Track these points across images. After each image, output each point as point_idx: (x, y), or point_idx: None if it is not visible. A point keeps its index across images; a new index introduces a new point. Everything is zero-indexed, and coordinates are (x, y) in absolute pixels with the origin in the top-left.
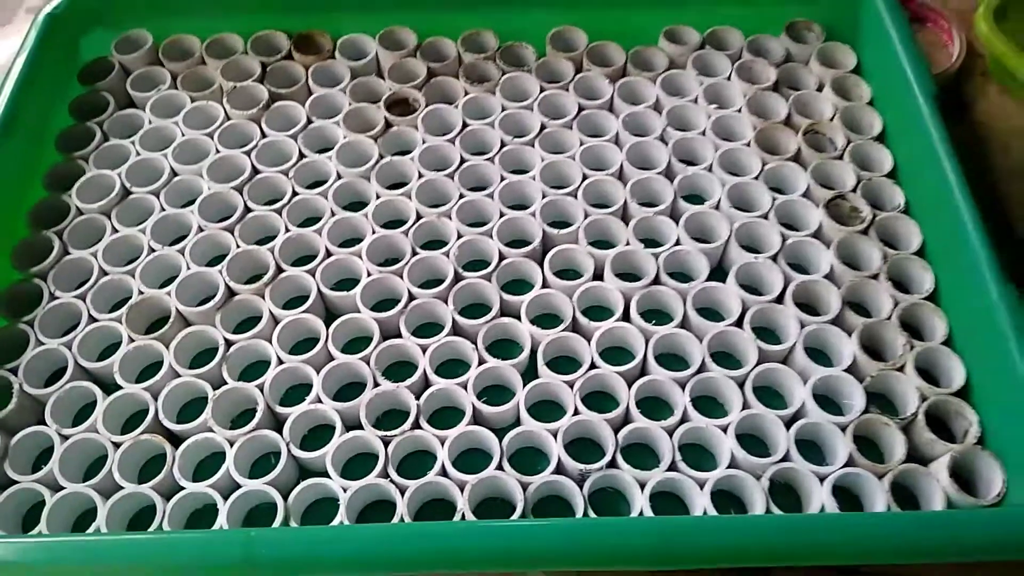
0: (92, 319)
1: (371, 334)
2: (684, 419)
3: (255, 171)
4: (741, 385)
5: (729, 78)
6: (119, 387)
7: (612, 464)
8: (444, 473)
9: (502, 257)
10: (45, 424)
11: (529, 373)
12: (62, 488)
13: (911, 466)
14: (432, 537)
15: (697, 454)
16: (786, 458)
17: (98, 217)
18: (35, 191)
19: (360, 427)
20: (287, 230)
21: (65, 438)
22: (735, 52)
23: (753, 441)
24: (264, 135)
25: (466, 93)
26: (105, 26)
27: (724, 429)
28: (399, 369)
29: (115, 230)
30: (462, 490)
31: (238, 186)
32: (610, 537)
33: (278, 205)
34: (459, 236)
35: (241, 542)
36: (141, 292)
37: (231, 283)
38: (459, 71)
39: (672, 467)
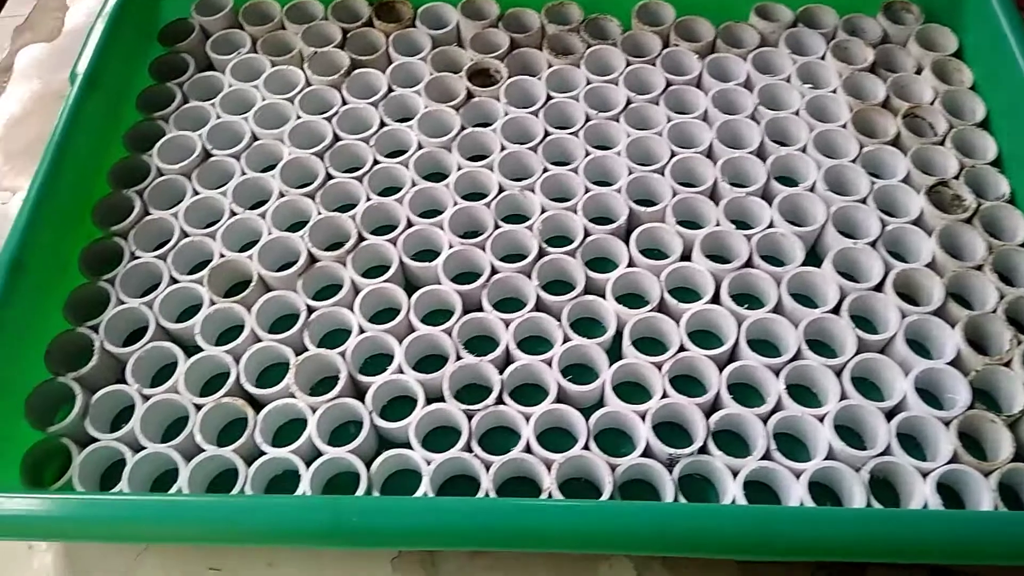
0: (173, 280)
1: (452, 307)
2: (778, 407)
3: (336, 138)
4: (838, 374)
5: (823, 58)
6: (200, 349)
7: (703, 450)
8: (528, 450)
9: (587, 233)
10: (125, 383)
11: (613, 353)
12: (143, 448)
13: (1019, 465)
14: (525, 513)
15: (790, 444)
16: (886, 452)
17: (179, 178)
18: (116, 150)
19: (442, 400)
20: (368, 199)
21: (146, 398)
22: (829, 31)
23: (850, 433)
24: (345, 102)
25: (549, 65)
26: None
27: (820, 419)
28: (480, 343)
29: (196, 192)
30: (548, 468)
31: (319, 152)
32: (709, 523)
33: (359, 173)
34: (542, 210)
35: (343, 509)
36: (222, 255)
37: (313, 249)
38: (542, 43)
39: (766, 456)
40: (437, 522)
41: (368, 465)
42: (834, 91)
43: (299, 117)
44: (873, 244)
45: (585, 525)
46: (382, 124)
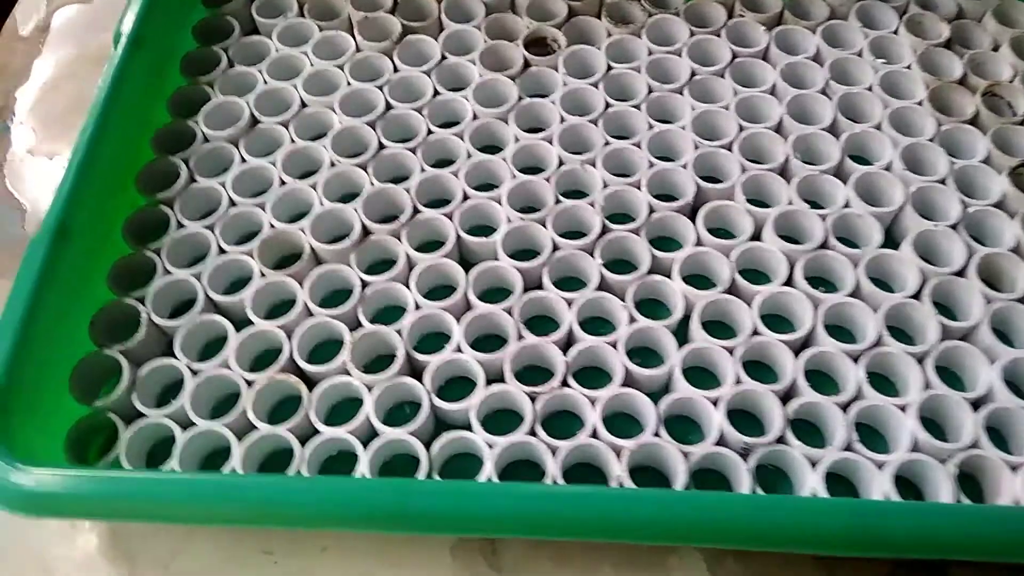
0: (221, 251)
1: (511, 284)
2: (858, 396)
3: (388, 106)
4: (920, 362)
5: (896, 32)
6: (250, 323)
7: (780, 440)
8: (595, 435)
9: (651, 210)
10: (173, 356)
11: (680, 336)
12: (193, 424)
13: None
14: (600, 501)
15: (870, 435)
16: (975, 445)
17: (225, 146)
18: (160, 114)
19: (502, 380)
20: (422, 170)
21: (195, 372)
22: (901, 5)
23: (933, 425)
24: (396, 69)
25: (609, 35)
26: None
27: (903, 409)
28: (541, 323)
29: (243, 160)
30: (618, 455)
31: (371, 121)
32: (790, 516)
33: (412, 143)
34: (604, 185)
35: (409, 491)
36: (272, 226)
37: (366, 222)
38: (600, 11)
39: (847, 447)
40: (508, 507)
41: (427, 447)
42: (908, 67)
43: (349, 84)
44: (954, 227)
45: (660, 515)
46: (435, 93)
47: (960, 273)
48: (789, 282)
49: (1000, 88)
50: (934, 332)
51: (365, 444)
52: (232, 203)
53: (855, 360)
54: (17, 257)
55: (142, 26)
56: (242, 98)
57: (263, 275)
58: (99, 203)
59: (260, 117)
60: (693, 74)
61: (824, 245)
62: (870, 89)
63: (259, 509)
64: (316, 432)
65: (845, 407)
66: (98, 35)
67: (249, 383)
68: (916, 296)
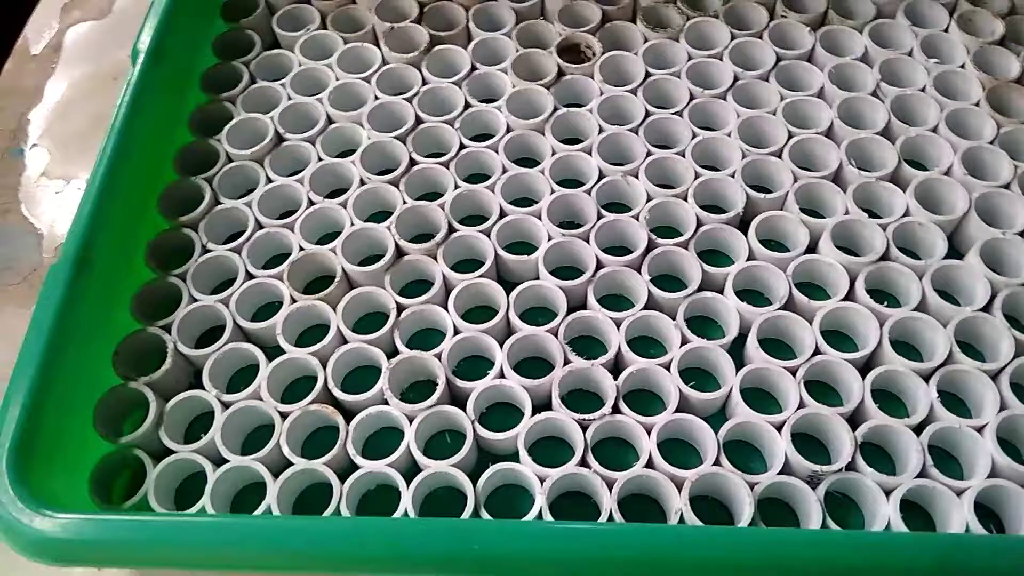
0: (249, 275)
1: (555, 304)
2: (930, 418)
3: (418, 120)
4: (994, 379)
5: (947, 30)
6: (282, 351)
7: (850, 466)
8: (651, 464)
9: (699, 223)
10: (202, 388)
11: (736, 356)
12: (225, 460)
13: None
14: (666, 540)
15: (944, 460)
16: None
17: (250, 164)
18: (181, 134)
19: (549, 407)
20: (456, 186)
21: (225, 405)
22: (951, 1)
23: (1010, 447)
24: (425, 81)
25: (645, 40)
26: None
27: (979, 430)
28: (587, 345)
29: (269, 179)
30: (678, 487)
31: (401, 136)
32: (867, 554)
33: (445, 158)
34: (648, 198)
35: (467, 534)
36: (301, 248)
37: (400, 241)
38: (636, 15)
39: (922, 473)
40: (574, 549)
41: (473, 480)
42: (962, 66)
43: (377, 98)
44: (1022, 234)
45: (725, 554)
46: (467, 105)
47: None
48: (850, 296)
49: None
50: (1008, 347)
51: (407, 478)
52: (259, 225)
53: (926, 379)
54: (35, 286)
55: (161, 42)
56: (266, 115)
57: (294, 300)
58: (120, 228)
59: (285, 134)
60: (736, 79)
61: (885, 256)
62: (924, 90)
63: (300, 554)
64: (355, 466)
65: (917, 430)
66: (114, 53)
67: (283, 415)
68: (986, 309)
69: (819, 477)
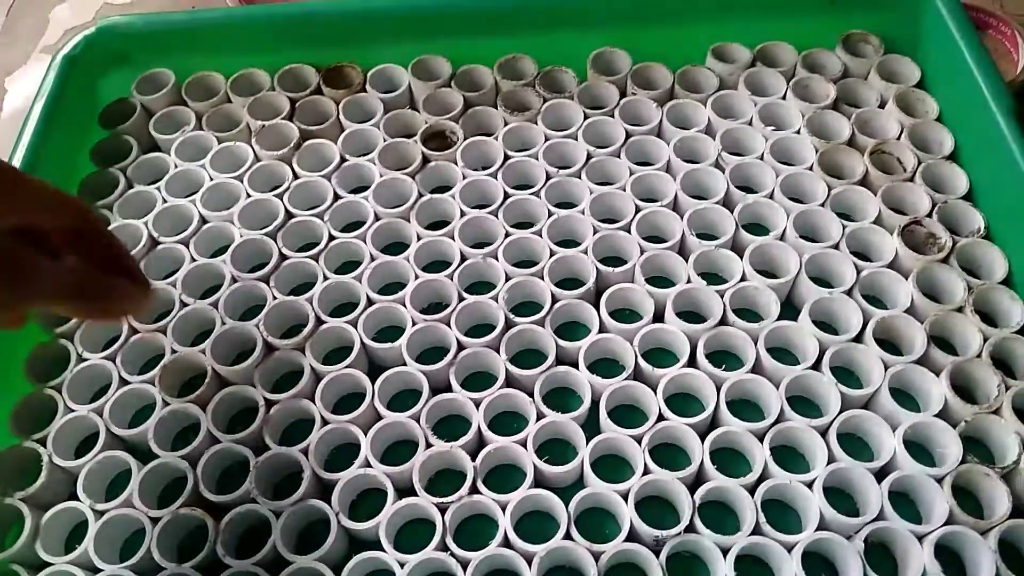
0: (123, 381)
1: (419, 388)
2: (764, 475)
3: (288, 215)
4: (824, 434)
5: (784, 97)
6: (155, 455)
7: (690, 528)
8: (507, 542)
9: (555, 299)
10: (77, 499)
11: (590, 426)
12: (99, 571)
13: (1018, 521)
14: None
15: (781, 513)
16: (880, 516)
17: None
18: None
19: (413, 492)
20: (325, 278)
21: (100, 514)
22: (788, 69)
23: (841, 497)
24: (296, 176)
25: (506, 123)
26: (124, 66)
27: (810, 485)
28: (451, 425)
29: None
30: (529, 563)
31: (271, 232)
32: None
33: (314, 251)
34: (507, 278)
35: None
36: (174, 350)
37: (269, 338)
38: (497, 100)
39: (756, 530)
40: None
41: (337, 572)
42: (798, 131)
43: (249, 195)
44: (849, 292)
45: None
46: (336, 197)
47: (858, 339)
48: (692, 361)
49: (888, 145)
50: (836, 401)
51: (273, 574)
52: (133, 330)
53: (760, 438)
54: None
55: (36, 155)
56: (141, 220)
57: (167, 403)
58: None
59: (159, 237)
60: (589, 156)
61: (724, 320)
62: (762, 157)
63: None
64: (224, 567)
65: (753, 488)
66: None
67: (154, 520)
68: (816, 365)
69: (663, 541)
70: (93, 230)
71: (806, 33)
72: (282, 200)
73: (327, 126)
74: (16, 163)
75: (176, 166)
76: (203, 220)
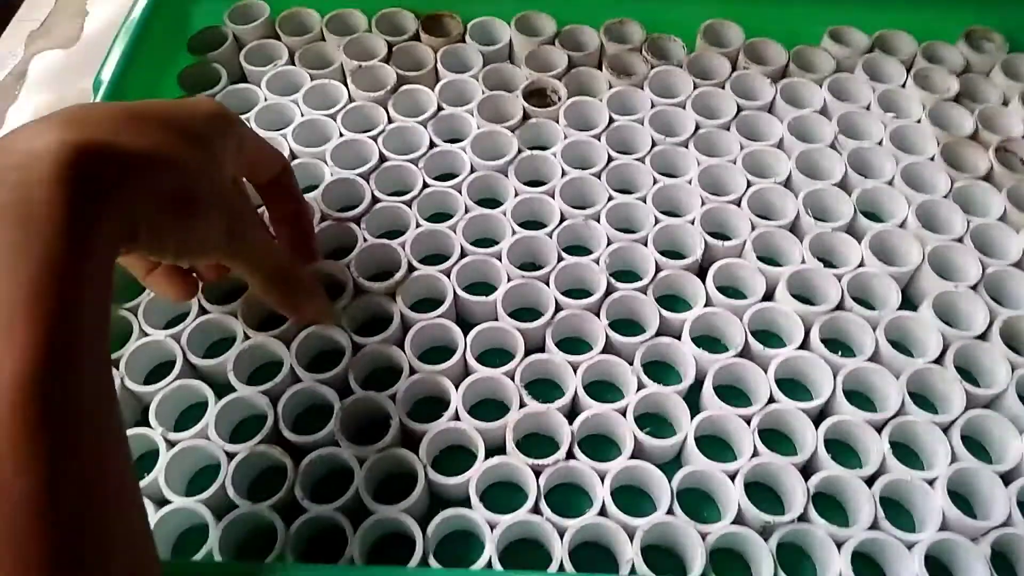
0: (203, 310)
1: (513, 345)
2: (882, 470)
3: (382, 158)
4: (946, 432)
5: (904, 85)
6: (232, 389)
7: (803, 517)
8: (604, 512)
9: (658, 268)
10: (148, 426)
11: (692, 403)
12: (168, 501)
13: None
14: None
15: (896, 510)
16: (1007, 522)
17: None
18: None
19: (503, 451)
20: (418, 225)
21: (171, 443)
22: (908, 58)
23: (959, 499)
24: (391, 120)
25: (611, 86)
26: None
27: (931, 483)
28: (545, 388)
29: None
30: (631, 536)
31: (364, 173)
32: None
33: (407, 196)
34: (609, 242)
35: None
36: None
37: (359, 279)
38: (602, 62)
39: (873, 525)
40: None
41: (422, 526)
42: (919, 121)
43: (342, 135)
44: (974, 287)
45: None
46: (432, 145)
47: (983, 336)
48: (805, 345)
49: (1012, 144)
50: (960, 400)
51: (355, 524)
52: None
53: (879, 430)
54: None
55: (124, 73)
56: None
57: (247, 336)
58: None
59: None
60: (698, 127)
61: (840, 306)
62: (881, 144)
63: None
64: (302, 510)
65: (870, 481)
66: (78, 82)
67: (230, 455)
68: (938, 360)
69: (771, 527)
70: (289, 183)
71: (924, 25)
72: (376, 142)
73: (424, 73)
74: (104, 79)
75: (266, 99)
76: (293, 155)
